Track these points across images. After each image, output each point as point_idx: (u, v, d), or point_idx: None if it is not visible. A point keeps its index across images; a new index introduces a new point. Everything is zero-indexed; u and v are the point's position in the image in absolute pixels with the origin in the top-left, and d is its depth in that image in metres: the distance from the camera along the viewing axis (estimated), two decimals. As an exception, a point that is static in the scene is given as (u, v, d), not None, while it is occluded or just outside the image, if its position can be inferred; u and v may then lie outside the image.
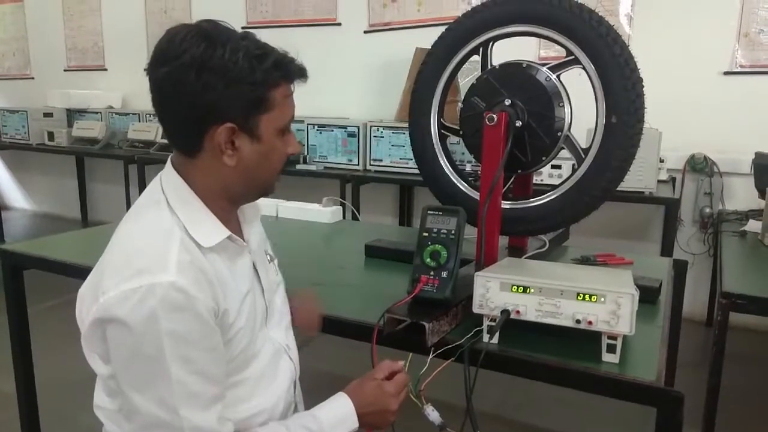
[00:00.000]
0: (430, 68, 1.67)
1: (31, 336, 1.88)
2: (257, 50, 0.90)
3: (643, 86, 1.40)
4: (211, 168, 0.94)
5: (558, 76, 1.47)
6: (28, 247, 1.88)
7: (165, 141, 4.43)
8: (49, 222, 5.89)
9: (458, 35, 1.61)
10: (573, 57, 1.45)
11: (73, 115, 5.21)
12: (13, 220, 6.00)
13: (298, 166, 3.81)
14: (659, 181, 3.06)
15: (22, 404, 1.90)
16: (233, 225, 1.01)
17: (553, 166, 3.00)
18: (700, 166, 3.31)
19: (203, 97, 0.88)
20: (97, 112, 5.11)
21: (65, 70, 5.75)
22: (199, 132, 0.91)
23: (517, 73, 1.48)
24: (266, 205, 2.32)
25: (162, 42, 0.90)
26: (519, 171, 1.53)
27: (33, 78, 6.00)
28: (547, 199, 1.51)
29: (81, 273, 1.59)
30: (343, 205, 2.40)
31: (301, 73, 0.96)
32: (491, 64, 1.57)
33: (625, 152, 1.41)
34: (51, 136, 5.00)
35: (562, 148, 1.48)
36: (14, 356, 1.86)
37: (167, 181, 0.96)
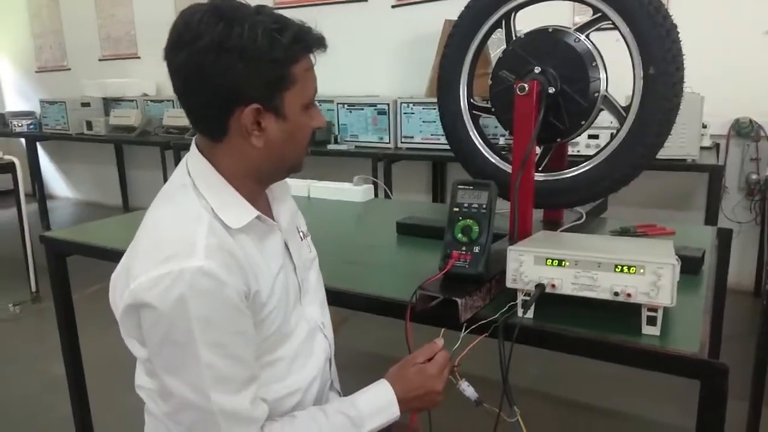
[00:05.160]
0: (456, 41, 1.63)
1: (77, 320, 1.94)
2: (274, 24, 0.88)
3: (678, 32, 1.34)
4: (238, 150, 0.93)
5: (587, 36, 1.42)
6: (70, 234, 1.93)
7: (198, 126, 4.50)
8: (92, 210, 6.07)
9: (484, 4, 1.56)
10: (600, 14, 1.40)
11: (109, 104, 5.32)
12: (59, 209, 6.20)
13: (329, 146, 3.81)
14: (702, 148, 2.95)
15: (71, 386, 1.97)
16: (262, 204, 1.01)
17: (590, 136, 2.93)
18: (745, 130, 3.18)
19: (225, 79, 0.86)
20: (132, 100, 5.20)
21: (100, 60, 5.87)
22: (224, 115, 0.90)
23: (544, 39, 1.43)
24: (298, 185, 2.32)
25: (178, 25, 0.89)
26: (558, 140, 1.49)
27: (70, 69, 6.15)
28: (591, 165, 1.47)
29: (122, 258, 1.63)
30: (375, 184, 2.39)
31: (320, 42, 0.93)
32: (516, 35, 1.52)
33: (668, 103, 1.35)
34: (89, 125, 5.12)
35: (601, 110, 1.44)
36: (62, 340, 1.92)
37: (193, 164, 0.96)
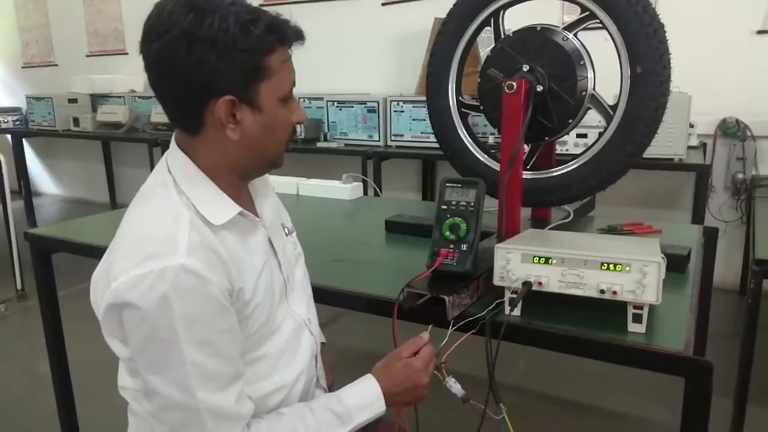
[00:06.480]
0: (445, 39, 1.63)
1: (63, 318, 1.92)
2: (248, 15, 0.87)
3: (665, 31, 1.36)
4: (215, 144, 0.92)
5: (575, 35, 1.43)
6: (55, 231, 1.91)
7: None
8: (79, 207, 6.01)
9: (473, 2, 1.56)
10: (588, 12, 1.41)
11: (96, 100, 5.26)
12: (45, 206, 6.14)
13: (319, 144, 3.80)
14: (689, 147, 2.96)
15: (57, 384, 1.95)
16: (245, 200, 1.00)
17: (578, 135, 2.94)
18: (732, 130, 3.20)
19: (197, 70, 0.85)
20: (120, 97, 5.15)
21: (87, 56, 5.80)
22: (199, 108, 0.89)
23: (532, 37, 1.44)
24: (287, 183, 2.32)
25: (151, 17, 0.88)
26: (546, 138, 1.49)
27: (57, 65, 6.07)
28: (579, 163, 1.47)
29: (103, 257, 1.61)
30: (364, 182, 2.39)
31: (297, 35, 0.92)
32: (504, 33, 1.53)
33: (655, 102, 1.36)
34: (76, 121, 5.06)
35: (589, 108, 1.44)
36: (47, 338, 1.90)
37: (173, 160, 0.95)
